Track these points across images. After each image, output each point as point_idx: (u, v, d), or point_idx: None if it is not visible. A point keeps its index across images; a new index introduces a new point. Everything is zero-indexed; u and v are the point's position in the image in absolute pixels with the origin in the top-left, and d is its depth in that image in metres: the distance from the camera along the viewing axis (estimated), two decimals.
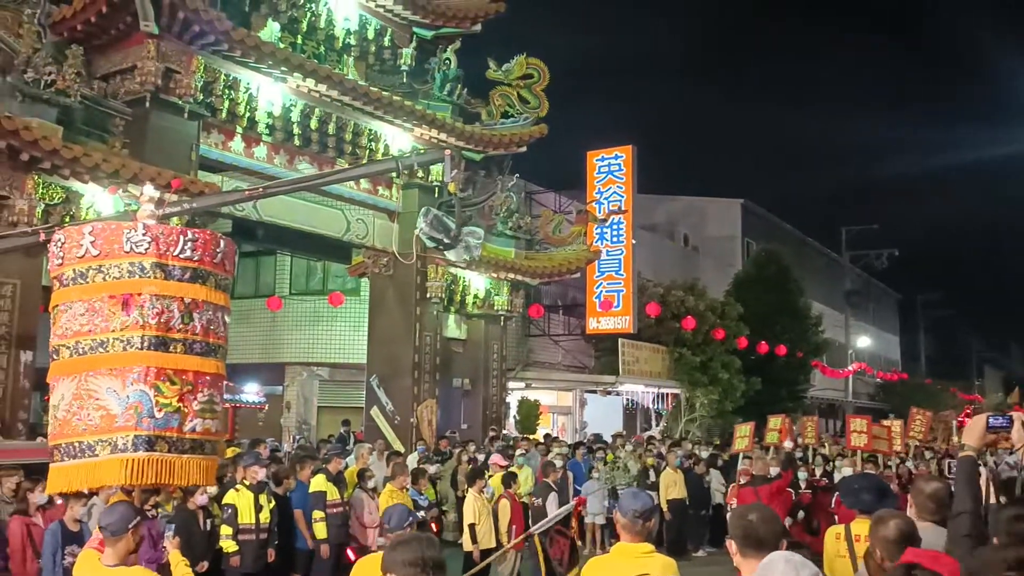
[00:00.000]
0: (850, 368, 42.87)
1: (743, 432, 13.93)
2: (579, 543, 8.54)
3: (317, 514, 9.88)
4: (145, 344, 4.61)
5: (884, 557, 3.71)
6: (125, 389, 4.57)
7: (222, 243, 4.98)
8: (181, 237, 4.77)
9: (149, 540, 7.23)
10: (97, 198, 12.18)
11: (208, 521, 9.01)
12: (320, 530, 9.85)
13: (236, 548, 8.94)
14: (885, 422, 13.76)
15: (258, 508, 9.17)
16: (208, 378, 4.82)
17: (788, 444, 13.98)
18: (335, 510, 10.08)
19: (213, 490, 9.28)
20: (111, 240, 4.70)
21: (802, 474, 14.01)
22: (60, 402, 4.69)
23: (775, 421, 14.92)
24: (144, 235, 4.69)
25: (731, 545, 3.35)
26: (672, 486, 14.39)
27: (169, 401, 4.62)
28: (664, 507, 13.68)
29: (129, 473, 4.53)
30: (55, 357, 4.80)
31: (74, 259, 4.75)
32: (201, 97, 13.72)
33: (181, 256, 4.75)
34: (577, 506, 9.02)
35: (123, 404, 4.56)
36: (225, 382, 5.10)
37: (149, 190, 5.17)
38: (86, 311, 4.68)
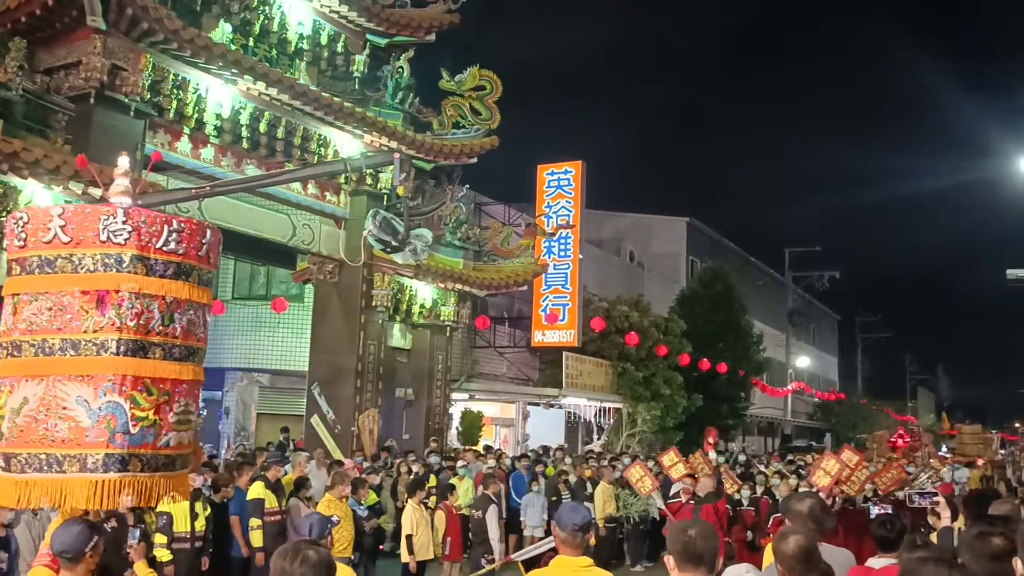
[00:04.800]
0: (789, 387, 43.60)
1: (670, 461, 13.15)
2: None
3: (254, 522, 9.73)
4: (121, 349, 4.07)
5: (785, 572, 3.80)
6: (97, 400, 4.03)
7: (208, 233, 4.43)
8: (165, 227, 4.19)
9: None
10: (36, 194, 11.91)
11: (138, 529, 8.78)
12: (256, 538, 9.70)
13: (170, 557, 8.76)
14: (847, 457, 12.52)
15: (193, 516, 9.03)
16: (185, 386, 4.28)
17: (713, 455, 13.26)
18: (273, 518, 9.95)
19: None
20: (85, 226, 4.12)
21: (745, 492, 14.09)
22: (23, 406, 4.11)
23: (669, 457, 13.86)
24: (124, 223, 4.11)
25: (669, 560, 3.38)
26: (609, 501, 14.44)
27: (145, 414, 4.08)
28: (600, 523, 13.68)
29: (98, 495, 4.02)
30: (16, 354, 4.19)
31: (40, 244, 4.17)
32: (148, 96, 13.50)
33: (165, 249, 4.18)
34: None
35: (94, 417, 4.02)
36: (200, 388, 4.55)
37: (124, 162, 4.54)
38: (53, 306, 4.12)
